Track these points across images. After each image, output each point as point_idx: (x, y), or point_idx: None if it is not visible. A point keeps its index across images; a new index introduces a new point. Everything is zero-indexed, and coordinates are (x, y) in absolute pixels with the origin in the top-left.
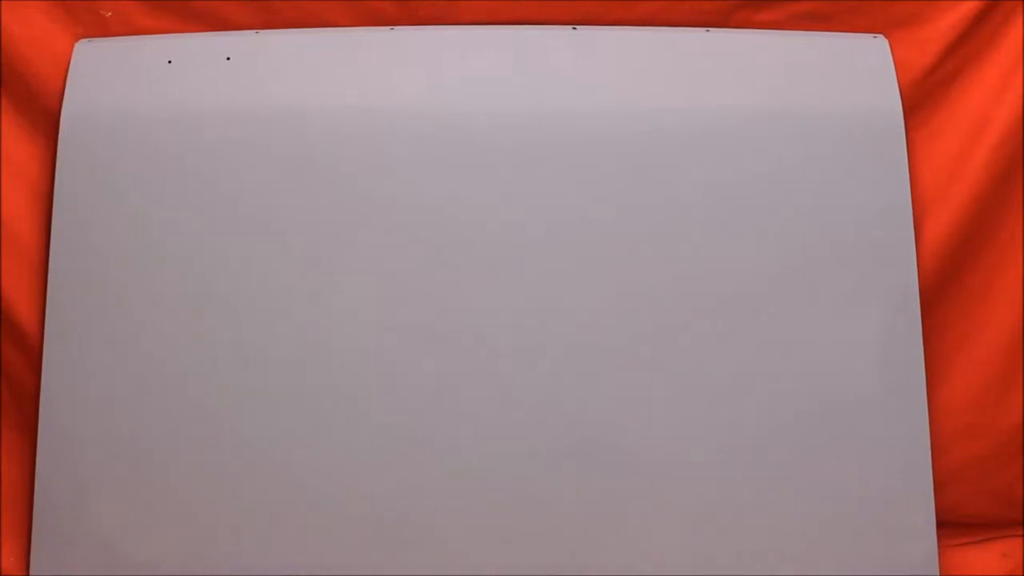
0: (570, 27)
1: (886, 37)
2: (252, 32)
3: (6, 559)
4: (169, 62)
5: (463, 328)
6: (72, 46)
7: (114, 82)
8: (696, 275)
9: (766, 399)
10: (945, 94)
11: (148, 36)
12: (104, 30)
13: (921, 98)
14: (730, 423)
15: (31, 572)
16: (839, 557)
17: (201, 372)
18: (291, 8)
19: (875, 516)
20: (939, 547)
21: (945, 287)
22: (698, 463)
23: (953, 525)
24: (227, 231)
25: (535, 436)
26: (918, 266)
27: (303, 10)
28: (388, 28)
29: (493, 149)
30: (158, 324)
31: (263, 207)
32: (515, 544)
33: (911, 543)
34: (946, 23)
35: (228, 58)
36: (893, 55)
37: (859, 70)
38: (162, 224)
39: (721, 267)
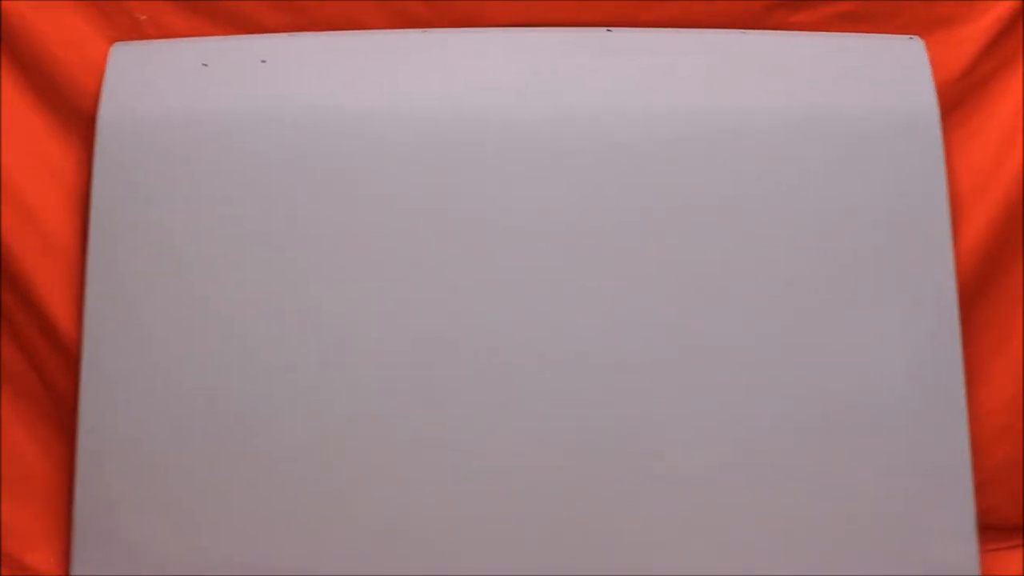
0: (604, 28)
1: (922, 38)
2: (286, 34)
3: (46, 561)
4: (204, 65)
5: (494, 334)
6: (107, 49)
7: (149, 85)
8: (733, 277)
9: (804, 402)
10: (982, 95)
11: (183, 39)
12: (139, 33)
13: (958, 99)
14: (769, 426)
15: (71, 573)
16: (879, 560)
17: (241, 375)
18: (325, 10)
19: (915, 519)
20: (980, 550)
21: (983, 288)
22: (735, 466)
23: (992, 528)
24: (264, 234)
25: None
26: (956, 267)
27: (337, 12)
28: (422, 30)
29: (529, 152)
30: (196, 327)
31: (299, 210)
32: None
33: (952, 546)
34: (983, 23)
35: (263, 61)
36: (929, 56)
37: (895, 71)
38: (199, 226)
39: (759, 269)
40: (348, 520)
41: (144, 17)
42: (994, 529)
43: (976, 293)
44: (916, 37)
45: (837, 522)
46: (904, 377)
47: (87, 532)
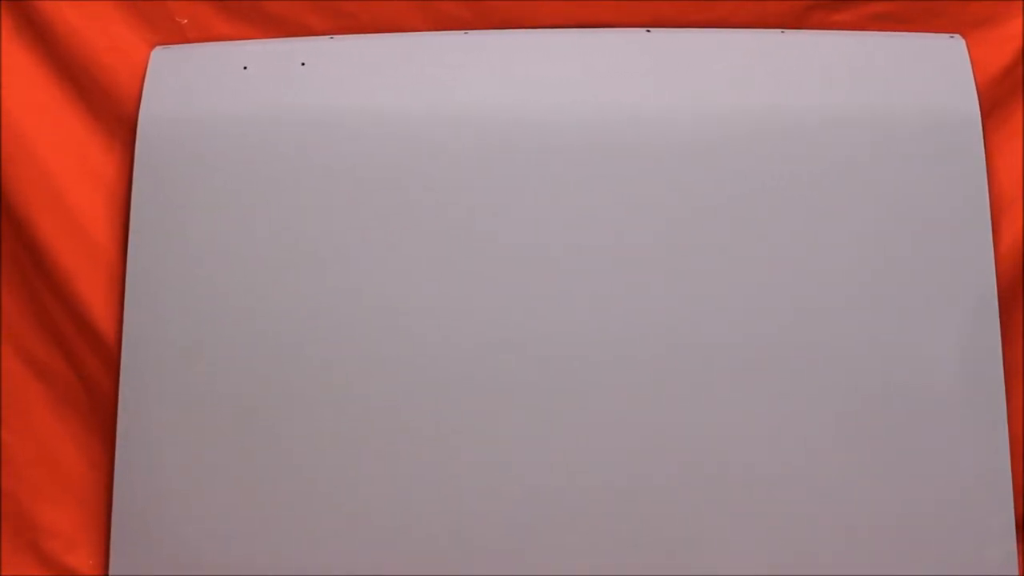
0: (644, 29)
1: (963, 37)
2: (327, 37)
3: (85, 561)
4: (244, 68)
5: (521, 335)
6: (149, 53)
7: (190, 88)
8: (773, 277)
9: (843, 402)
10: (1019, 94)
11: (224, 42)
12: (180, 36)
13: (999, 98)
14: (808, 426)
15: (109, 574)
16: (918, 559)
17: (280, 377)
18: (366, 12)
19: (954, 518)
20: (1020, 551)
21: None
22: (774, 465)
23: None
24: (304, 236)
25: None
26: (996, 268)
27: (378, 14)
28: (462, 32)
29: (569, 153)
30: (234, 329)
31: (340, 213)
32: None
33: (990, 546)
34: (1022, 22)
35: (303, 64)
36: (970, 55)
37: (936, 71)
38: (239, 229)
39: (798, 269)
40: (387, 522)
41: (185, 21)
42: None
43: (1016, 294)
44: (957, 36)
45: (875, 521)
46: (943, 377)
47: (125, 533)
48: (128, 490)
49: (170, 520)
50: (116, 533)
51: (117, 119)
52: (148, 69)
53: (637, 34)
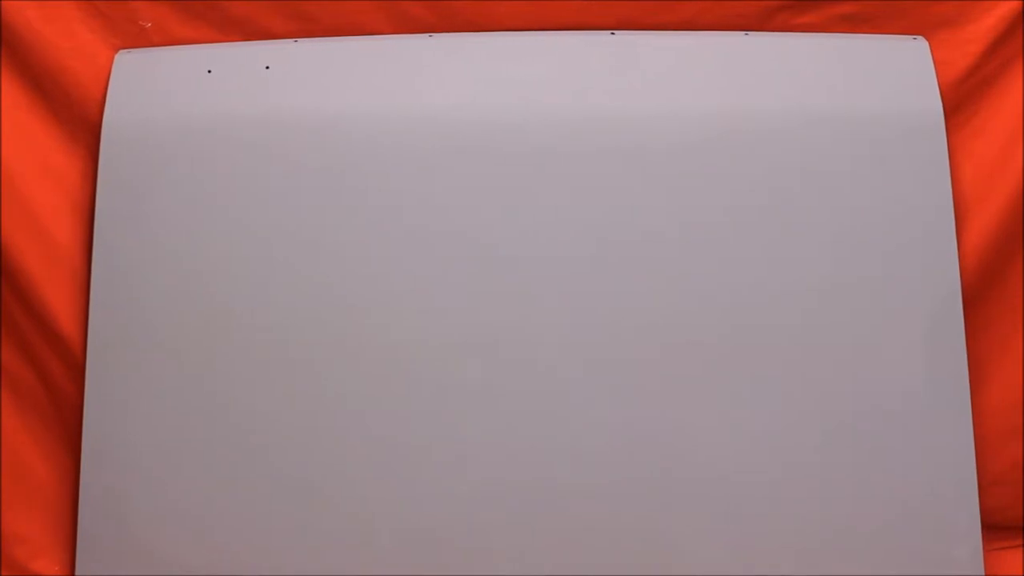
0: (608, 32)
1: (926, 39)
2: (291, 40)
3: (50, 568)
4: (208, 71)
5: (507, 334)
6: (112, 56)
7: (154, 91)
8: (735, 278)
9: (808, 402)
10: (986, 95)
11: (187, 46)
12: (144, 40)
13: (962, 99)
14: (771, 426)
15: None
16: (884, 558)
17: (245, 379)
18: (329, 16)
19: (920, 518)
20: (984, 549)
21: (987, 287)
22: (739, 467)
23: (997, 528)
24: (268, 238)
25: (558, 440)
26: (960, 266)
27: (341, 17)
28: (427, 35)
29: (533, 155)
30: (200, 331)
31: (303, 214)
32: (537, 548)
33: (956, 545)
34: (986, 24)
35: (267, 67)
36: (933, 56)
37: (899, 72)
38: (203, 231)
39: (760, 269)
40: (355, 520)
41: (149, 24)
42: (999, 529)
43: (980, 292)
44: (920, 38)
45: (841, 521)
46: (909, 376)
47: (92, 537)
48: (94, 493)
49: (137, 523)
50: (82, 537)
51: (80, 123)
52: (112, 72)
53: (601, 36)
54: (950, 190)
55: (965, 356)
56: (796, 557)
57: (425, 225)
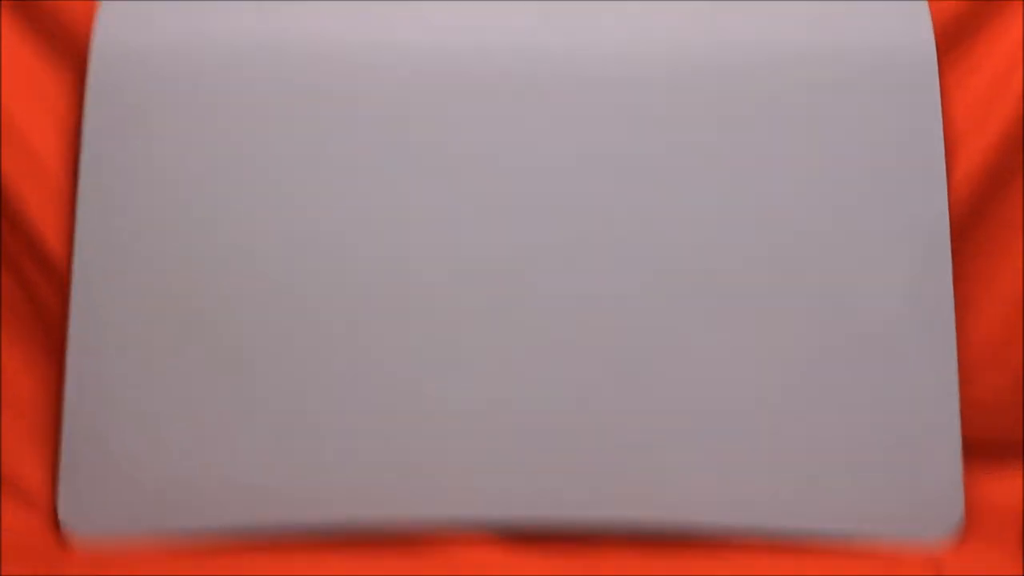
0: None
1: None
2: None
3: (35, 487)
4: None
5: (494, 263)
6: None
7: (144, 13)
8: (723, 210)
9: (792, 332)
10: (980, 31)
11: None
12: None
13: (955, 35)
14: (756, 356)
15: (59, 493)
16: (864, 485)
17: (234, 300)
18: None
19: (901, 446)
20: (964, 476)
21: (976, 219)
22: (725, 398)
23: (979, 455)
24: (260, 163)
25: (546, 369)
26: (949, 198)
27: None
28: None
29: (523, 86)
30: (188, 250)
31: (296, 140)
32: (527, 485)
33: (937, 472)
34: None
35: None
36: None
37: (892, 6)
38: (193, 155)
39: (748, 202)
40: (346, 447)
41: None
42: (980, 456)
43: (968, 224)
44: None
45: (824, 449)
46: (894, 307)
47: (75, 454)
48: (77, 411)
49: (120, 441)
50: (65, 455)
51: (68, 46)
52: None
53: None
54: (940, 123)
55: (951, 288)
56: (773, 482)
57: (416, 152)
